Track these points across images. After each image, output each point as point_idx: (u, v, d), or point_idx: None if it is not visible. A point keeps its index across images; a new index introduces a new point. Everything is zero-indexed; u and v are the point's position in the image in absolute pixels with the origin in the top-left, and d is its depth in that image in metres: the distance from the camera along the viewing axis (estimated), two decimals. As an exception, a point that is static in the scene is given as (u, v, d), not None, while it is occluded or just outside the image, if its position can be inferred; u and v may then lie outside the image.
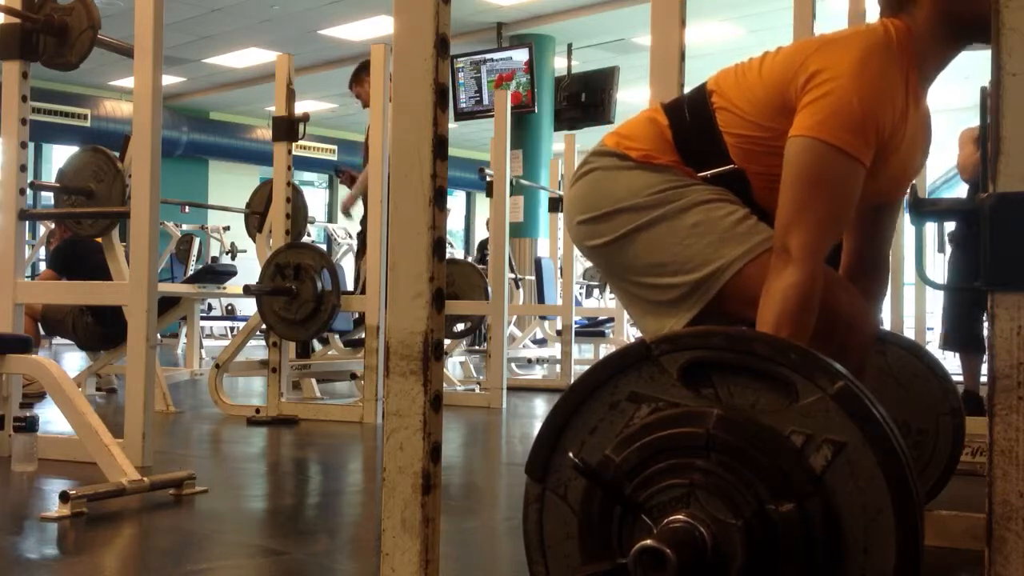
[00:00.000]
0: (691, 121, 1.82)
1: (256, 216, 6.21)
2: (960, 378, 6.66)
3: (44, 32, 3.50)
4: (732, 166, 1.78)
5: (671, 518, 1.14)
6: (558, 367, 7.28)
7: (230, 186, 15.47)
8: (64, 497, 2.48)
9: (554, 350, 8.55)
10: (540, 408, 5.77)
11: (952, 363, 9.66)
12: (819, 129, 1.66)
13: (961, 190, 5.97)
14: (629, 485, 1.18)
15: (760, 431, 1.16)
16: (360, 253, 6.28)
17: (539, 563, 1.29)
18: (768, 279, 1.66)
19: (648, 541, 1.10)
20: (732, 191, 1.79)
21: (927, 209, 2.16)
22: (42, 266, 6.23)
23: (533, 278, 9.44)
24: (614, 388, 1.26)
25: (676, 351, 1.23)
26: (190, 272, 10.48)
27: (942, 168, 12.99)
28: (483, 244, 12.40)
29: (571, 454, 1.22)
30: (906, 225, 5.35)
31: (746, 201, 1.79)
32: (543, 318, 9.09)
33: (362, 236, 6.08)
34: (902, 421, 2.21)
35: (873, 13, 2.11)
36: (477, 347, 9.14)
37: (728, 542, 1.12)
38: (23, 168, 3.56)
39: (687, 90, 1.97)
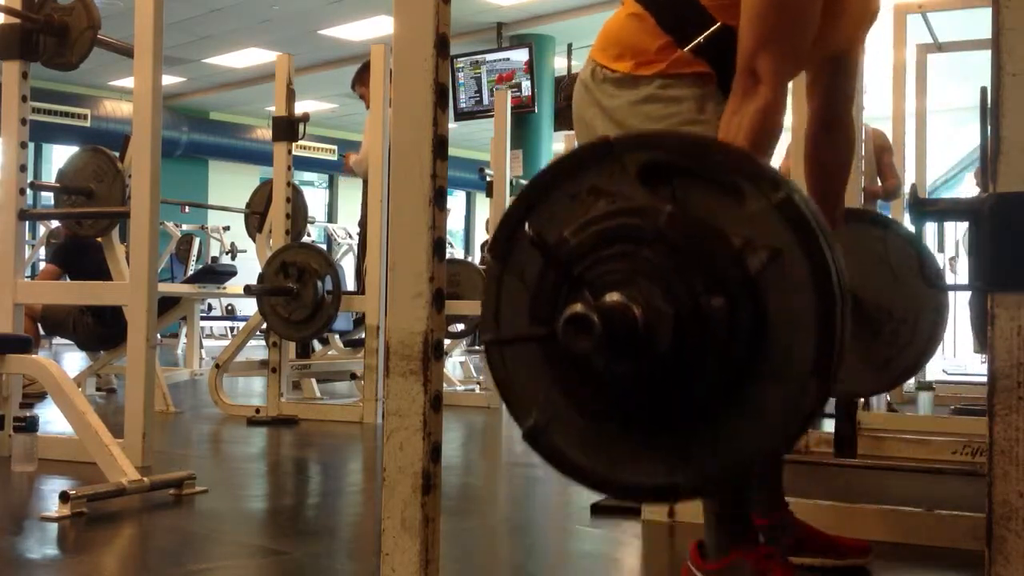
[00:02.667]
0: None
1: (256, 216, 6.21)
2: (978, 378, 6.66)
3: (44, 32, 3.50)
4: (719, 24, 1.79)
5: (609, 295, 1.21)
6: (558, 367, 7.27)
7: (230, 186, 15.45)
8: (64, 497, 2.48)
9: (554, 350, 8.54)
10: (540, 408, 5.77)
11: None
12: None
13: (961, 190, 5.99)
14: (579, 265, 1.25)
15: (705, 230, 1.22)
16: (361, 253, 6.28)
17: (492, 333, 1.35)
18: (733, 103, 1.68)
19: (578, 306, 1.17)
20: (729, 57, 1.78)
21: (927, 209, 2.16)
22: (43, 265, 6.22)
23: (533, 278, 9.41)
24: (576, 181, 1.31)
25: (637, 150, 1.29)
26: (190, 272, 10.47)
27: (943, 168, 12.99)
28: (485, 245, 12.39)
29: (528, 228, 1.28)
30: (906, 225, 5.34)
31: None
32: (543, 318, 9.09)
33: (363, 237, 6.08)
34: (886, 308, 2.26)
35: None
36: (477, 347, 9.13)
37: (658, 325, 1.19)
38: (23, 168, 3.57)
39: None
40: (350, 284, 6.98)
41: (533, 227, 1.29)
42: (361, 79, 6.21)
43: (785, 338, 1.19)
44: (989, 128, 1.23)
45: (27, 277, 4.07)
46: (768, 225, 1.20)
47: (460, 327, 6.66)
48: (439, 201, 1.35)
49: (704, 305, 1.19)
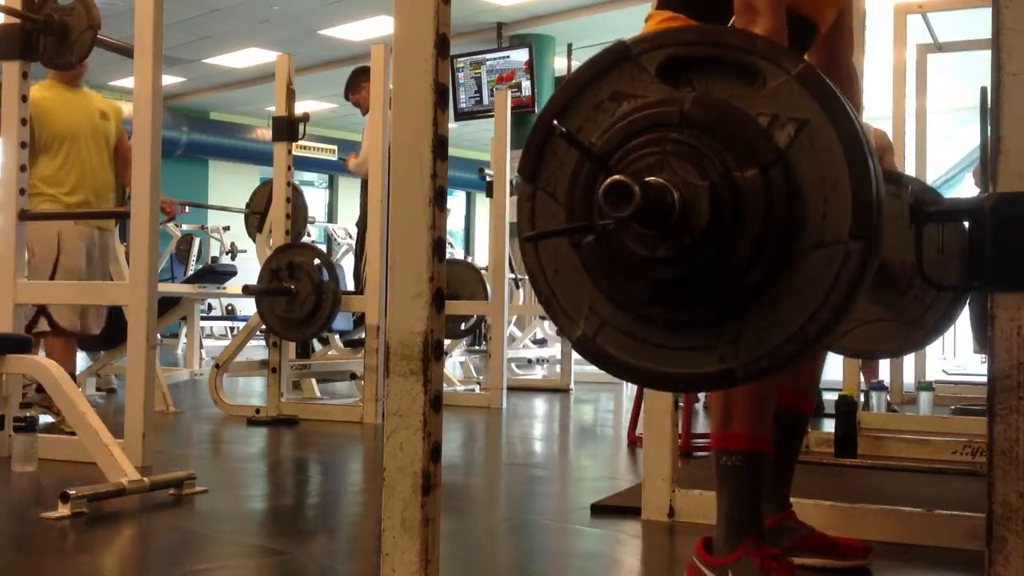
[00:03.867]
0: None
1: (256, 216, 6.21)
2: (978, 378, 6.66)
3: (44, 32, 3.50)
4: None
5: (645, 179, 1.22)
6: (558, 367, 7.28)
7: (230, 186, 15.45)
8: (64, 497, 2.47)
9: (554, 350, 8.56)
10: (540, 408, 5.77)
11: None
12: None
13: (961, 189, 5.98)
14: (612, 158, 1.26)
15: (730, 111, 1.23)
16: (359, 254, 6.28)
17: (530, 252, 1.38)
18: None
19: (617, 176, 1.17)
20: None
21: (927, 209, 2.16)
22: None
23: (533, 278, 9.41)
24: (597, 89, 1.32)
25: (654, 49, 1.30)
26: (190, 272, 10.46)
27: (943, 168, 12.99)
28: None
29: (559, 125, 1.28)
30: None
31: None
32: (543, 318, 9.09)
33: (361, 238, 6.08)
34: (910, 262, 2.26)
35: (873, 15, 2.12)
36: (477, 347, 9.13)
37: (695, 200, 1.20)
38: (23, 168, 3.56)
39: None
40: (350, 284, 6.99)
41: (565, 125, 1.29)
42: (352, 87, 6.21)
43: (821, 205, 1.19)
44: (989, 128, 1.23)
45: (27, 277, 4.06)
46: (791, 99, 1.21)
47: (464, 326, 6.66)
48: (439, 201, 1.35)
49: (737, 178, 1.19)
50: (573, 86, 1.33)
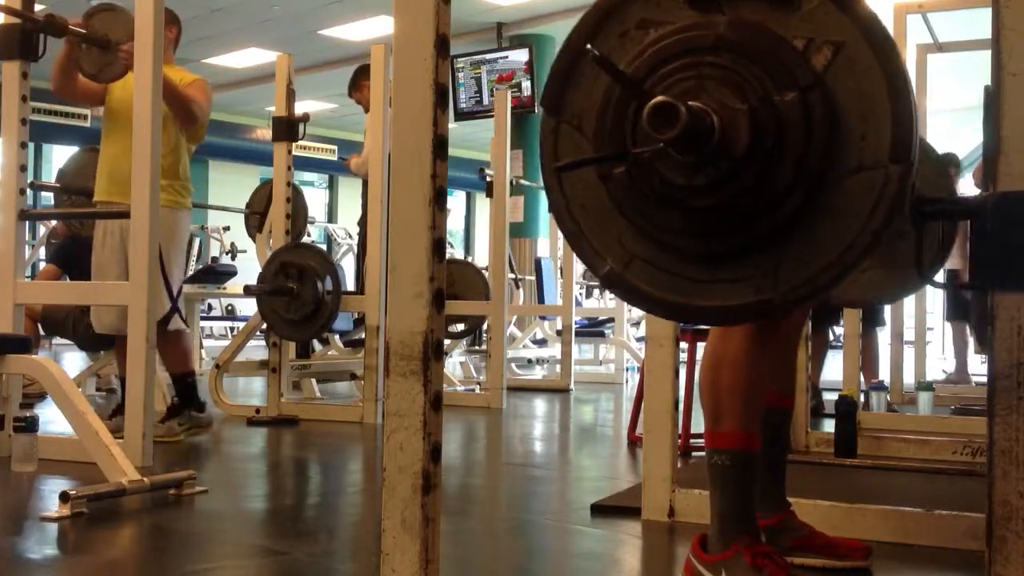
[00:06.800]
0: None
1: (256, 216, 6.21)
2: (978, 378, 6.66)
3: (88, 43, 3.59)
4: None
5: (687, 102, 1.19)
6: (558, 367, 7.28)
7: (230, 186, 15.43)
8: (64, 497, 2.47)
9: (554, 350, 8.55)
10: (540, 408, 5.77)
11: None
12: None
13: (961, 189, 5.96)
14: (646, 84, 1.23)
15: (766, 33, 1.21)
16: (361, 253, 6.28)
17: (555, 187, 1.34)
18: None
19: (662, 97, 1.15)
20: None
21: (927, 208, 2.15)
22: (42, 265, 6.22)
23: (533, 278, 9.43)
24: (622, 17, 1.29)
25: None
26: (190, 272, 10.45)
27: (942, 168, 12.96)
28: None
29: (591, 48, 1.24)
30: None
31: None
32: (543, 318, 9.08)
33: (362, 236, 6.08)
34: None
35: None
36: (477, 347, 9.13)
37: (735, 126, 1.18)
38: (23, 168, 3.56)
39: None
40: (350, 284, 6.98)
41: (598, 48, 1.25)
42: (355, 84, 6.21)
43: (860, 127, 1.18)
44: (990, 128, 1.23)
45: (27, 277, 4.06)
46: (827, 21, 1.19)
47: (460, 327, 6.66)
48: (439, 201, 1.35)
49: (777, 102, 1.17)
50: (598, 13, 1.30)
